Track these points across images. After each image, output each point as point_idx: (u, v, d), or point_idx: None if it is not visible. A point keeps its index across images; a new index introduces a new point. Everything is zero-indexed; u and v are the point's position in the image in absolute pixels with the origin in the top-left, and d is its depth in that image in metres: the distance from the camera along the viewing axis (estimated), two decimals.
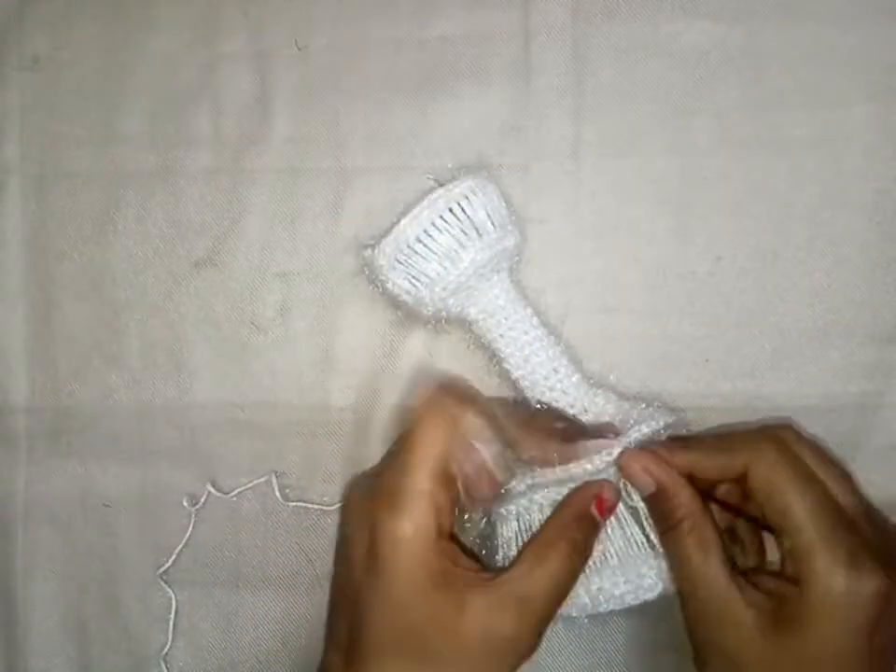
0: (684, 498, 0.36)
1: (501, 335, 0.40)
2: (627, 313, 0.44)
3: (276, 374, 0.46)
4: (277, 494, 0.46)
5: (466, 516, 0.39)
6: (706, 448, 0.38)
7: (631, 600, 0.38)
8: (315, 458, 0.46)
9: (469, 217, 0.39)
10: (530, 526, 0.38)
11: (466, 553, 0.37)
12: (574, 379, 0.40)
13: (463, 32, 0.45)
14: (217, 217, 0.47)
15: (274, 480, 0.46)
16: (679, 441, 0.39)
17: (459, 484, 0.35)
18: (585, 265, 0.45)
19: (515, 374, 0.41)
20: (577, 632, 0.44)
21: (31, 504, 0.47)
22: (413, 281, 0.40)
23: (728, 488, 0.38)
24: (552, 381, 0.40)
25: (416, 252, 0.39)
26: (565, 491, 0.38)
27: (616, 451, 0.37)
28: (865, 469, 0.40)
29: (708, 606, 0.35)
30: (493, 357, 0.42)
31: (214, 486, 0.46)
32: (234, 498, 0.46)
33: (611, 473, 0.38)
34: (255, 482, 0.46)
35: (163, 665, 0.46)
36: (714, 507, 0.38)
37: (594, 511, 0.37)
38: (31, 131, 0.48)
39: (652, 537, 0.38)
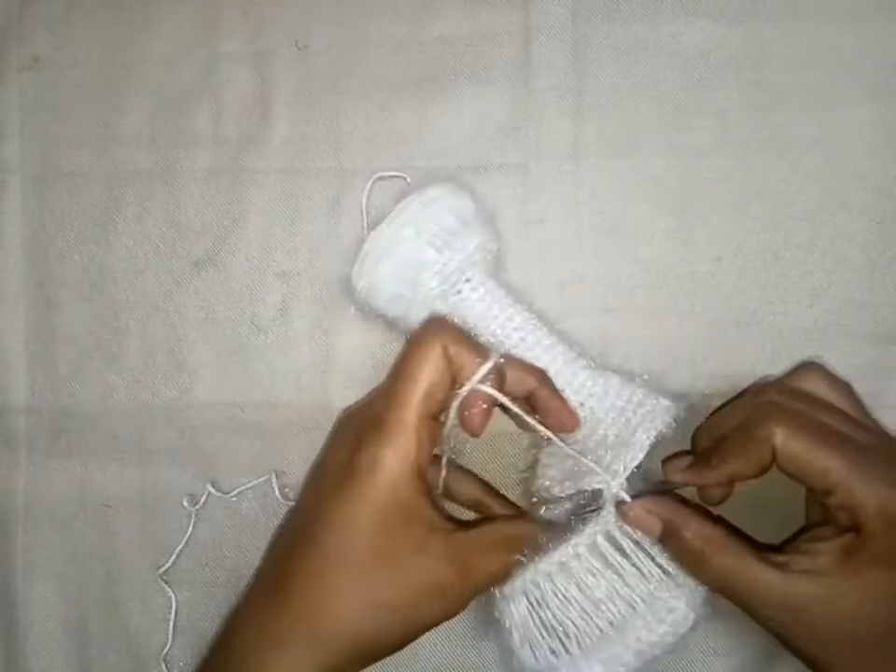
0: (697, 526, 0.36)
1: (494, 332, 0.40)
2: (627, 313, 0.44)
3: (276, 374, 0.46)
4: (277, 494, 0.46)
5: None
6: (731, 455, 0.37)
7: (672, 639, 0.36)
8: None
9: (428, 227, 0.40)
10: (542, 599, 0.37)
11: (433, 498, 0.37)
12: (578, 364, 0.40)
13: (463, 32, 0.46)
14: (217, 216, 0.47)
15: (274, 480, 0.46)
16: (703, 459, 0.38)
17: (453, 411, 0.36)
18: (585, 265, 0.45)
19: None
20: None
21: (31, 504, 0.47)
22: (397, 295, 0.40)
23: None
24: (554, 368, 0.40)
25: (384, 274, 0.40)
26: (569, 550, 0.37)
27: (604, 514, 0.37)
28: None
29: (771, 606, 0.35)
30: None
31: (214, 486, 0.46)
32: (234, 498, 0.46)
33: (609, 522, 0.37)
34: (255, 481, 0.46)
35: (163, 665, 0.46)
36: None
37: None
38: (31, 131, 0.48)
39: (664, 564, 0.37)
